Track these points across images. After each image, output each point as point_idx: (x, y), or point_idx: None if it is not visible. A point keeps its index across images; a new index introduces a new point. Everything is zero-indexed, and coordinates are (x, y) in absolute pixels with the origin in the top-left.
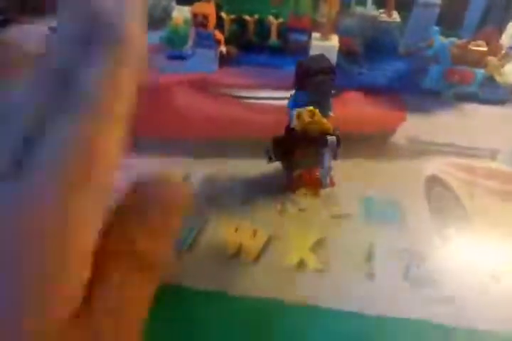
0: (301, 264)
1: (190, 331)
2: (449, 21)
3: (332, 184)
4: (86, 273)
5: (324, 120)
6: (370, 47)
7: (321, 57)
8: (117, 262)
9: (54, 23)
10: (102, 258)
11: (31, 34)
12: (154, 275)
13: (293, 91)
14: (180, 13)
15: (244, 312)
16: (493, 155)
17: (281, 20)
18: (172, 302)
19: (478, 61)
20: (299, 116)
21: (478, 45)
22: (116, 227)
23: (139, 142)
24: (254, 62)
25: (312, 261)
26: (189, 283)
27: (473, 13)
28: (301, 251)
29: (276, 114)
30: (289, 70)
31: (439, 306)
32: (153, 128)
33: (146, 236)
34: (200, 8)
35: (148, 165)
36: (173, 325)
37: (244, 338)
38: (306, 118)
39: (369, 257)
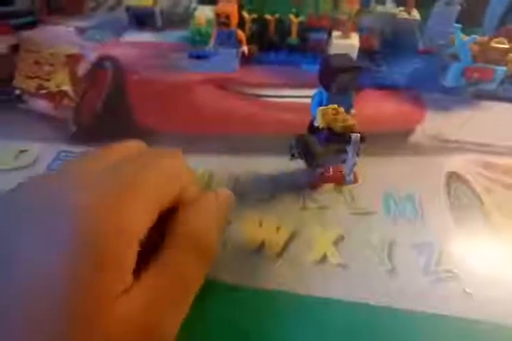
0: (323, 259)
1: (214, 322)
2: (470, 19)
3: (356, 180)
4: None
5: (348, 117)
6: (389, 45)
7: (345, 56)
8: (174, 241)
9: (77, 24)
10: (160, 239)
11: (58, 34)
12: (207, 257)
13: (313, 90)
14: (203, 13)
15: (268, 305)
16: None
17: (301, 18)
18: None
19: (500, 58)
20: (323, 113)
21: (500, 42)
22: (175, 213)
23: (163, 139)
24: (275, 60)
25: (334, 256)
26: (213, 276)
27: (494, 11)
28: (323, 247)
29: (297, 111)
30: (308, 68)
31: (459, 300)
32: (177, 126)
33: (202, 220)
34: (223, 8)
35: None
36: (203, 317)
37: (268, 329)
38: (330, 116)
39: (389, 252)
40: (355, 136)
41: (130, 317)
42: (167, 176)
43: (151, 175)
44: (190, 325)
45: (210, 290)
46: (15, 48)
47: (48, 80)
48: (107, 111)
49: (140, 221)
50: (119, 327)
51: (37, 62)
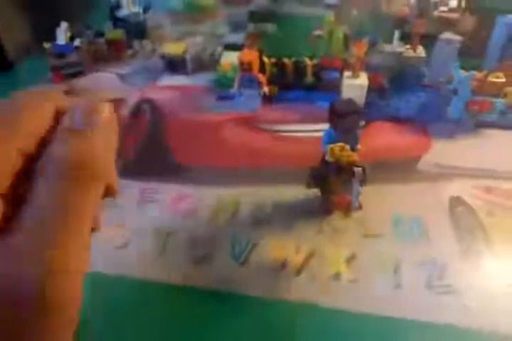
0: (337, 275)
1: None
2: (473, 53)
3: (360, 207)
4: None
5: (352, 153)
6: (396, 80)
7: (349, 100)
8: (44, 169)
9: (118, 70)
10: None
11: (102, 80)
12: (94, 186)
13: (326, 124)
14: (228, 59)
15: (286, 315)
16: None
17: (315, 61)
18: (226, 307)
19: (498, 91)
20: (331, 150)
21: (498, 77)
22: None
23: (195, 172)
24: (292, 98)
25: (346, 273)
26: (243, 290)
27: (495, 44)
28: (336, 265)
29: (313, 145)
30: (323, 105)
31: (459, 312)
32: (207, 160)
33: (83, 147)
34: (246, 55)
35: (204, 194)
36: (228, 327)
37: (289, 336)
38: (337, 152)
39: (396, 269)
40: (358, 170)
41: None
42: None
43: None
44: (217, 334)
45: (235, 302)
46: (67, 94)
47: None
48: (147, 148)
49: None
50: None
51: None
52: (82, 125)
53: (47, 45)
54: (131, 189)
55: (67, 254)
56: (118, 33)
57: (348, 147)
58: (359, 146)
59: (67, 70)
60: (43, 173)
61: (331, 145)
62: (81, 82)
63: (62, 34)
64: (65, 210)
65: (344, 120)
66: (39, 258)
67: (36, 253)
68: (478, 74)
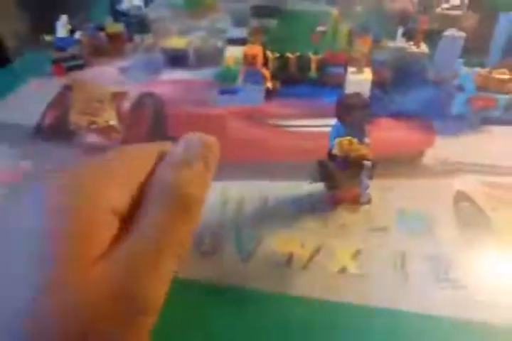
0: (343, 270)
1: (245, 324)
2: (476, 50)
3: (369, 201)
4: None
5: (361, 147)
6: (400, 76)
7: (357, 94)
8: (147, 198)
9: (119, 64)
10: (147, 196)
11: (103, 74)
12: (192, 217)
13: (330, 119)
14: (231, 54)
15: (293, 309)
16: None
17: (319, 56)
18: (232, 301)
19: (501, 87)
20: (339, 144)
21: (502, 73)
22: (161, 170)
23: None
24: (296, 93)
25: (353, 268)
26: (249, 284)
27: (497, 43)
28: (343, 259)
29: (317, 139)
30: (327, 100)
31: (466, 305)
32: None
33: (188, 181)
34: (250, 49)
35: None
36: (235, 322)
37: (296, 330)
38: (345, 146)
39: (402, 263)
40: (367, 163)
41: (110, 282)
42: (136, 157)
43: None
44: (223, 329)
45: (240, 296)
46: (68, 88)
47: (97, 116)
48: (150, 141)
49: (114, 192)
50: (97, 293)
51: (87, 100)
52: (195, 158)
53: (47, 38)
54: None
55: (153, 294)
56: (118, 27)
57: (356, 140)
58: (368, 140)
59: (68, 63)
60: (153, 198)
61: (340, 139)
62: (81, 75)
63: (62, 27)
64: (164, 243)
65: (353, 113)
66: (126, 295)
67: (124, 288)
68: (481, 71)
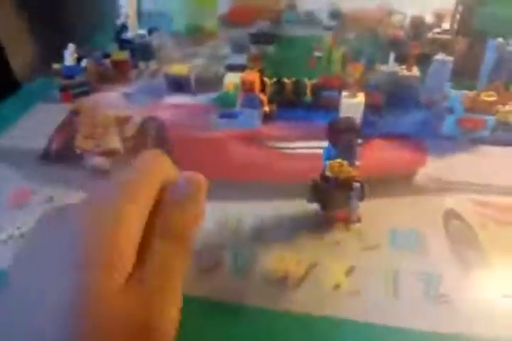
0: (336, 287)
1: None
2: (467, 73)
3: (358, 220)
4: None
5: (350, 169)
6: (393, 99)
7: (348, 118)
8: (156, 230)
9: (124, 90)
10: (150, 238)
11: (108, 99)
12: (184, 245)
13: (325, 142)
14: (231, 80)
15: (288, 325)
16: (505, 191)
17: (314, 80)
18: (231, 317)
19: (489, 109)
20: (330, 166)
21: (489, 96)
22: (160, 215)
23: None
24: (292, 116)
25: (346, 284)
26: (245, 301)
27: (486, 67)
28: (336, 276)
29: (312, 160)
30: (322, 123)
31: (455, 321)
32: (209, 175)
33: (183, 219)
34: (247, 76)
35: (207, 207)
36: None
37: None
38: (336, 168)
39: (394, 280)
40: (356, 185)
41: (128, 312)
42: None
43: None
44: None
45: (238, 314)
46: (75, 113)
47: (101, 140)
48: None
49: (135, 221)
50: (116, 323)
51: (92, 125)
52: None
53: (56, 66)
54: None
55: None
56: (123, 54)
57: (346, 163)
58: (358, 162)
59: (75, 90)
60: (162, 236)
61: (330, 161)
62: (87, 101)
63: (70, 55)
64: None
65: (342, 137)
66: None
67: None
68: (469, 93)
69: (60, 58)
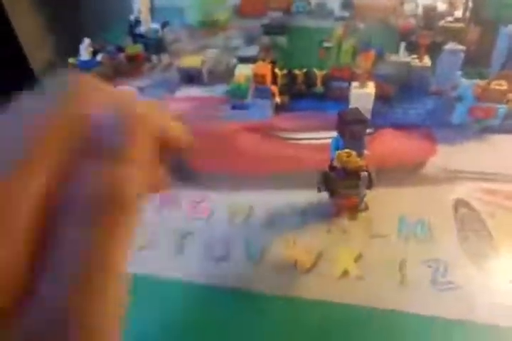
0: (345, 273)
1: (252, 325)
2: (479, 62)
3: (366, 208)
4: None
5: (358, 159)
6: (403, 89)
7: (356, 110)
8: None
9: (138, 83)
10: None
11: None
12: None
13: (335, 133)
14: (242, 71)
15: (298, 311)
16: None
17: (325, 71)
18: (243, 304)
19: (500, 98)
20: (338, 156)
21: (500, 85)
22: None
23: (210, 178)
24: (303, 107)
25: (354, 271)
26: (257, 288)
27: (498, 57)
28: (344, 264)
29: (322, 151)
30: (333, 114)
31: (461, 307)
32: (221, 166)
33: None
34: (259, 68)
35: (219, 198)
36: (241, 324)
37: (300, 331)
38: (344, 158)
39: (401, 267)
40: (364, 174)
41: None
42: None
43: None
44: (229, 332)
45: (251, 300)
46: None
47: None
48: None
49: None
50: None
51: None
52: (115, 145)
53: (71, 60)
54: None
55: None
56: (137, 48)
57: (354, 153)
58: (366, 152)
59: None
60: (69, 213)
61: (338, 152)
62: None
63: (85, 50)
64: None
65: (350, 128)
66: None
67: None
68: (480, 82)
69: (75, 53)
